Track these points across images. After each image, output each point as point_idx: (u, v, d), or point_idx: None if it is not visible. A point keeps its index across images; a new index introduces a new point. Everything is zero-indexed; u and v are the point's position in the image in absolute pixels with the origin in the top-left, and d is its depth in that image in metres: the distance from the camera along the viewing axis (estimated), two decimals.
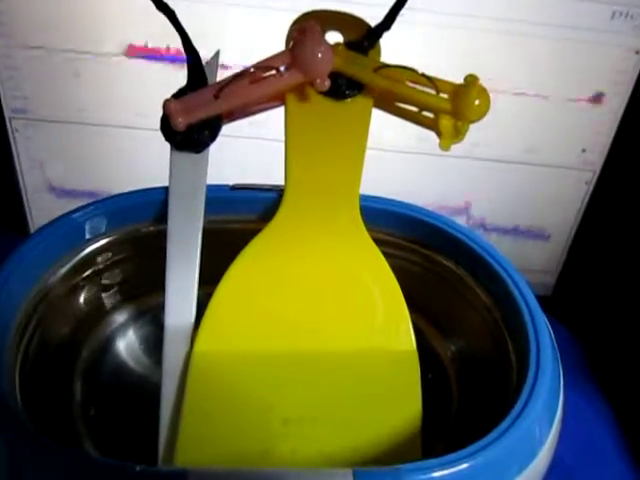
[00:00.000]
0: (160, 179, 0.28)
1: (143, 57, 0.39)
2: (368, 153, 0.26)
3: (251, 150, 0.41)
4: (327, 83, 0.23)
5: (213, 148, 0.27)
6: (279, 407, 0.24)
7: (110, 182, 0.43)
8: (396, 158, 0.42)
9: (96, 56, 0.38)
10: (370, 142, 0.26)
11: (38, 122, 0.41)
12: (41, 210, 0.44)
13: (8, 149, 0.41)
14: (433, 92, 0.24)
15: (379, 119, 0.26)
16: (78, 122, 0.41)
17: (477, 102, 0.23)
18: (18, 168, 0.42)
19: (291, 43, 0.23)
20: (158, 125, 0.26)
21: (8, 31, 0.38)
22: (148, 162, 0.41)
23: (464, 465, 0.19)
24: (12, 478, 0.19)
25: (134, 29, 0.38)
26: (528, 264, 0.46)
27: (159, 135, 0.26)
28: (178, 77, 0.26)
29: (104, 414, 0.28)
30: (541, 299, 0.26)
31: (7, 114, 0.40)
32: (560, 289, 0.47)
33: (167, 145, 0.26)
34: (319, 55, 0.22)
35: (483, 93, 0.23)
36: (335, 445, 0.23)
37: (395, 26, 0.25)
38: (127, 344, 0.31)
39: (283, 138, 0.26)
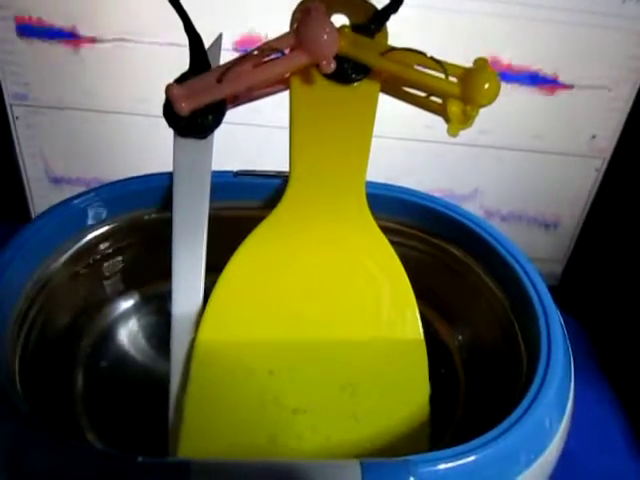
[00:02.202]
0: (165, 166, 0.27)
1: (145, 41, 0.38)
2: (375, 141, 0.26)
3: (254, 136, 0.41)
4: (333, 65, 0.23)
5: (216, 134, 0.26)
6: (284, 396, 0.23)
7: (113, 170, 0.42)
8: (404, 146, 0.41)
9: (98, 41, 0.38)
10: (377, 130, 0.26)
11: (39, 109, 0.40)
12: (42, 199, 0.44)
13: (9, 137, 0.41)
14: (442, 76, 0.23)
15: (386, 106, 0.25)
16: (80, 109, 0.40)
17: (487, 86, 0.23)
18: (19, 156, 0.42)
19: (295, 24, 0.23)
20: (161, 111, 0.25)
21: (8, 15, 0.37)
22: (151, 149, 0.41)
23: (474, 457, 0.19)
24: (11, 468, 0.18)
25: (139, 12, 0.37)
26: (535, 253, 0.45)
27: (163, 121, 0.25)
28: (182, 62, 0.25)
29: (106, 403, 0.28)
30: (548, 289, 0.25)
31: (7, 101, 0.40)
32: (567, 278, 0.47)
33: (171, 131, 0.26)
34: (324, 36, 0.22)
35: (493, 77, 0.23)
36: (341, 435, 0.23)
37: (402, 9, 0.24)
38: (129, 332, 0.31)
39: (287, 124, 0.26)
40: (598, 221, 0.44)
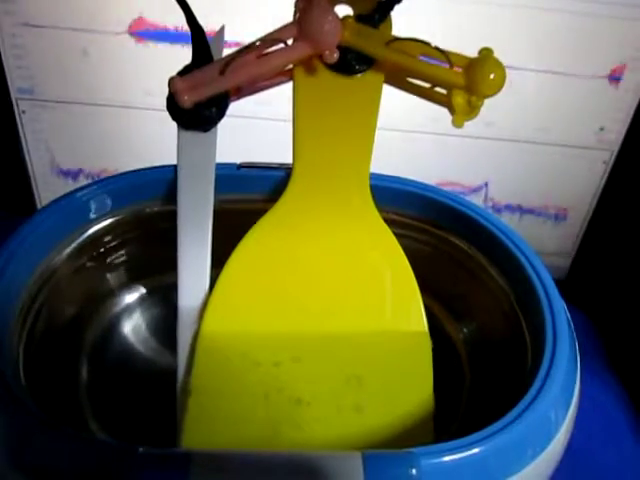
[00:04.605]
0: (169, 159, 0.27)
1: (151, 35, 0.38)
2: (380, 133, 0.26)
3: (258, 130, 0.41)
4: (336, 55, 0.22)
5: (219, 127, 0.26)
6: (288, 388, 0.23)
7: (118, 163, 0.42)
8: (410, 138, 0.41)
9: (104, 35, 0.38)
10: (383, 122, 0.26)
11: (45, 103, 0.40)
12: (49, 192, 0.44)
13: (15, 131, 0.41)
14: (446, 66, 0.23)
15: (392, 97, 0.25)
16: (85, 103, 0.40)
17: (492, 76, 0.22)
18: (25, 150, 0.42)
19: (298, 14, 0.23)
20: (164, 104, 0.25)
21: (14, 9, 0.37)
22: (155, 142, 0.41)
23: (478, 449, 0.19)
24: (15, 459, 0.18)
25: (143, 7, 0.37)
26: (543, 246, 0.45)
27: (166, 115, 0.25)
28: (186, 55, 0.25)
29: (110, 395, 0.28)
30: (555, 282, 0.25)
31: (13, 95, 0.40)
32: (575, 272, 0.46)
33: (175, 125, 0.26)
34: (326, 25, 0.22)
35: (498, 66, 0.22)
36: (345, 427, 0.22)
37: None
38: (133, 325, 0.31)
39: (291, 117, 0.26)
40: (606, 214, 0.44)
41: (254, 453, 0.18)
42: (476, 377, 0.28)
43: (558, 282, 0.25)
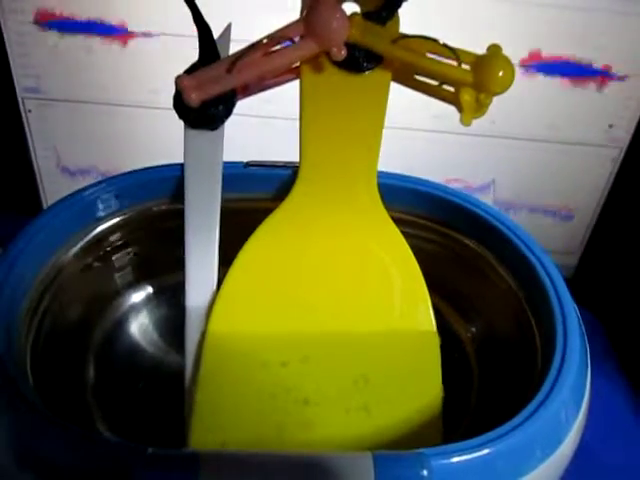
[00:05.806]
0: (176, 158, 0.27)
1: (155, 34, 0.38)
2: (387, 131, 0.25)
3: (265, 128, 0.40)
4: (343, 52, 0.22)
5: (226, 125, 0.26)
6: (296, 388, 0.23)
7: (124, 162, 0.42)
8: (418, 136, 0.41)
9: (109, 34, 0.38)
10: (389, 120, 0.25)
11: (51, 102, 0.40)
12: (55, 192, 0.44)
13: (21, 130, 0.41)
14: (454, 64, 0.23)
15: (399, 96, 0.25)
16: (91, 101, 0.40)
17: (501, 73, 0.22)
18: (31, 149, 0.42)
19: (305, 11, 0.23)
20: (172, 103, 0.25)
21: (20, 8, 0.37)
22: (163, 141, 0.41)
23: (488, 450, 0.19)
24: (22, 458, 0.18)
25: (147, 5, 0.37)
26: (550, 244, 0.45)
27: (173, 113, 0.25)
28: (192, 54, 0.25)
29: (117, 394, 0.28)
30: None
31: (19, 94, 0.40)
32: (582, 271, 0.46)
33: (182, 123, 0.26)
34: (333, 22, 0.22)
35: (507, 64, 0.22)
36: (353, 427, 0.22)
37: None
38: (140, 324, 0.31)
39: (298, 115, 0.26)
40: (614, 212, 0.43)
41: (264, 453, 0.18)
42: (485, 377, 0.28)
43: (565, 280, 0.25)
